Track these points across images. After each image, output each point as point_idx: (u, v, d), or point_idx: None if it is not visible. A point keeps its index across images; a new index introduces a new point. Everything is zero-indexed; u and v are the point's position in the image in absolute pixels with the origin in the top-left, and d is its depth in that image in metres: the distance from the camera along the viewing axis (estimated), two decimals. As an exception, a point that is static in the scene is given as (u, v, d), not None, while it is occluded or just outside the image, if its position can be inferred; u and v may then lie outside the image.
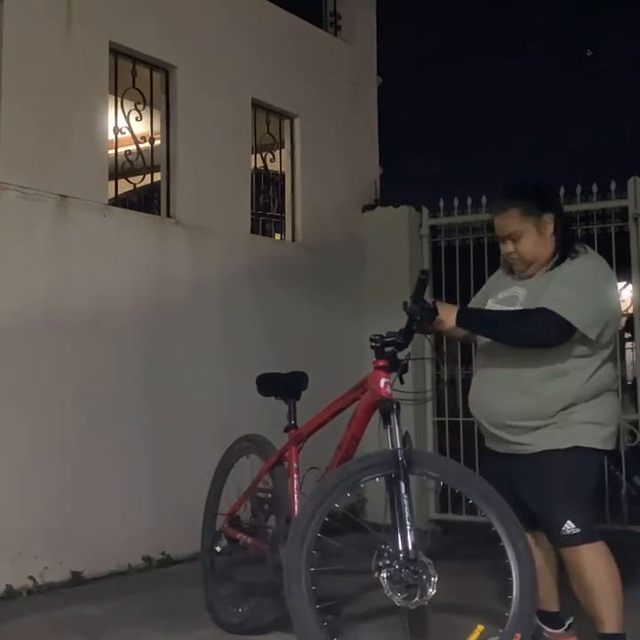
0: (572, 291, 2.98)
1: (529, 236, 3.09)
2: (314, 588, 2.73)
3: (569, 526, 2.94)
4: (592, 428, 3.01)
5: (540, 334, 2.97)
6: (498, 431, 3.12)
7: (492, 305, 3.21)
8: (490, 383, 3.17)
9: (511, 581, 2.81)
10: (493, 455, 3.23)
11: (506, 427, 3.08)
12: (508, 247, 3.15)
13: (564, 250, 3.10)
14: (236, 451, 3.92)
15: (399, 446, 2.90)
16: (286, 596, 2.73)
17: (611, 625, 2.93)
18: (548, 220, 3.10)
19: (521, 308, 3.09)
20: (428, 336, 3.29)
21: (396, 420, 2.95)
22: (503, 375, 3.10)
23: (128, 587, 4.49)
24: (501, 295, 3.21)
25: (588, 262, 3.10)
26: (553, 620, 3.22)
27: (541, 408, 3.02)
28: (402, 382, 3.10)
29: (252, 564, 3.65)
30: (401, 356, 3.14)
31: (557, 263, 3.09)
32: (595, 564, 2.94)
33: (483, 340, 3.24)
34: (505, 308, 3.14)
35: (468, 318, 3.15)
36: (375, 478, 2.92)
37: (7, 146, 4.40)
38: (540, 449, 3.02)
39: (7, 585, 4.23)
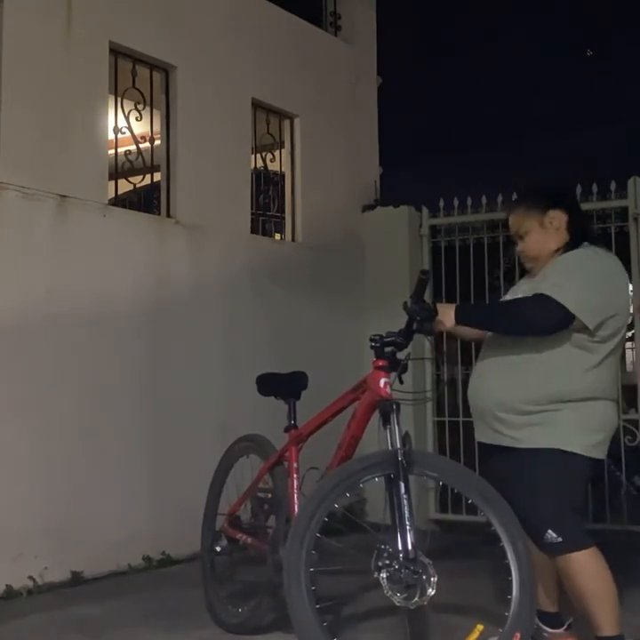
0: (570, 277, 2.92)
1: (532, 233, 3.13)
2: (314, 588, 2.74)
3: (550, 535, 2.89)
4: (580, 432, 2.95)
5: (536, 319, 2.92)
6: (489, 421, 3.09)
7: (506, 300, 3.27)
8: (483, 372, 3.16)
9: (511, 581, 2.81)
10: (486, 451, 3.20)
11: (496, 415, 3.04)
12: (518, 245, 3.21)
13: (574, 245, 3.07)
14: (236, 451, 3.92)
15: (399, 446, 2.90)
16: (286, 596, 2.73)
17: (606, 628, 2.91)
18: (554, 216, 3.11)
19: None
20: (429, 337, 3.27)
21: (395, 420, 2.94)
22: (495, 363, 3.10)
23: (128, 587, 4.48)
24: (512, 291, 3.27)
25: (590, 251, 3.05)
26: (552, 619, 3.21)
27: (527, 390, 2.96)
28: (401, 382, 3.10)
29: (252, 564, 3.65)
30: (400, 356, 3.14)
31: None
32: (583, 570, 2.91)
33: (485, 337, 3.24)
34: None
35: (464, 313, 3.11)
36: (375, 478, 2.92)
37: (7, 146, 4.40)
38: (525, 446, 2.97)
39: (7, 585, 4.23)
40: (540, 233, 3.12)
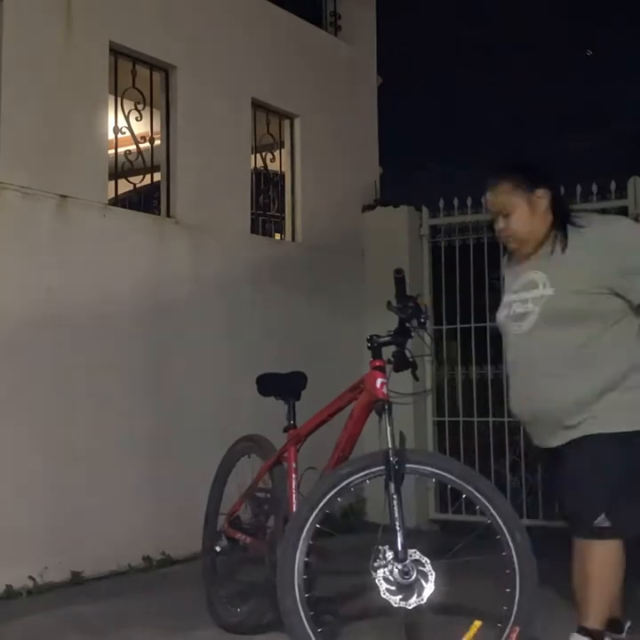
0: None
1: (520, 212, 2.98)
2: (308, 594, 2.73)
3: (601, 519, 2.80)
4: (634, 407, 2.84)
5: None
6: (552, 427, 2.93)
7: (511, 298, 3.04)
8: (535, 376, 2.94)
9: (509, 574, 2.76)
10: (547, 453, 3.02)
11: (561, 419, 2.88)
12: (499, 224, 3.04)
13: (562, 224, 2.95)
14: (237, 451, 3.92)
15: (390, 446, 2.88)
16: (280, 606, 2.73)
17: (597, 620, 2.87)
18: (541, 195, 2.98)
19: (550, 291, 2.90)
20: (427, 332, 3.22)
21: (387, 421, 2.93)
22: (549, 362, 2.89)
23: (128, 587, 4.48)
24: (517, 285, 3.05)
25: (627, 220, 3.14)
26: (616, 625, 3.03)
27: (597, 383, 2.83)
28: (416, 379, 3.10)
29: (252, 564, 3.65)
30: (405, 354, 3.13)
31: (562, 238, 2.93)
32: (605, 561, 2.87)
33: (513, 336, 3.02)
34: (524, 296, 2.98)
35: None
36: (365, 480, 2.91)
37: (7, 146, 4.40)
38: (583, 434, 2.84)
39: (7, 585, 4.23)
40: (528, 212, 2.97)
